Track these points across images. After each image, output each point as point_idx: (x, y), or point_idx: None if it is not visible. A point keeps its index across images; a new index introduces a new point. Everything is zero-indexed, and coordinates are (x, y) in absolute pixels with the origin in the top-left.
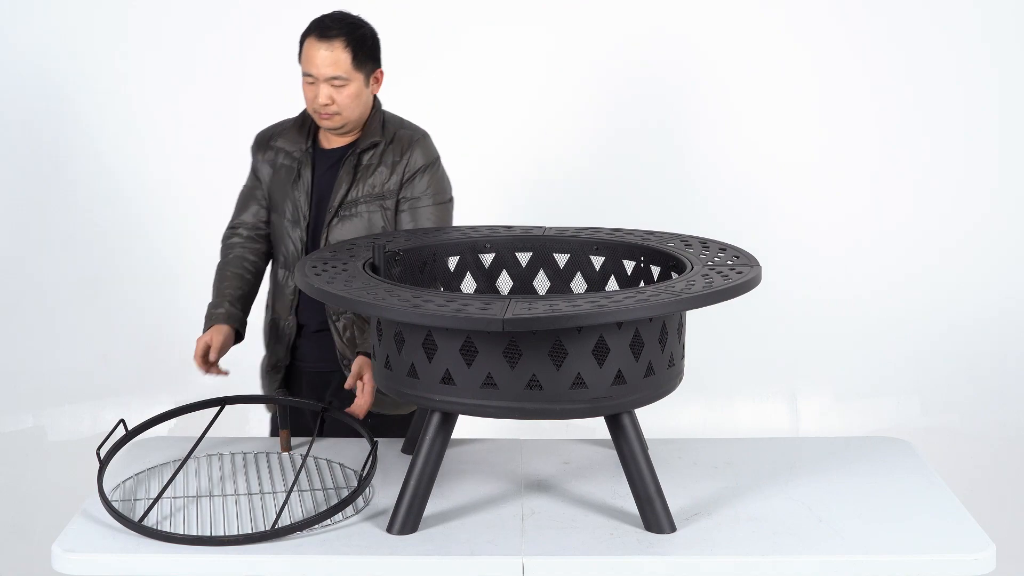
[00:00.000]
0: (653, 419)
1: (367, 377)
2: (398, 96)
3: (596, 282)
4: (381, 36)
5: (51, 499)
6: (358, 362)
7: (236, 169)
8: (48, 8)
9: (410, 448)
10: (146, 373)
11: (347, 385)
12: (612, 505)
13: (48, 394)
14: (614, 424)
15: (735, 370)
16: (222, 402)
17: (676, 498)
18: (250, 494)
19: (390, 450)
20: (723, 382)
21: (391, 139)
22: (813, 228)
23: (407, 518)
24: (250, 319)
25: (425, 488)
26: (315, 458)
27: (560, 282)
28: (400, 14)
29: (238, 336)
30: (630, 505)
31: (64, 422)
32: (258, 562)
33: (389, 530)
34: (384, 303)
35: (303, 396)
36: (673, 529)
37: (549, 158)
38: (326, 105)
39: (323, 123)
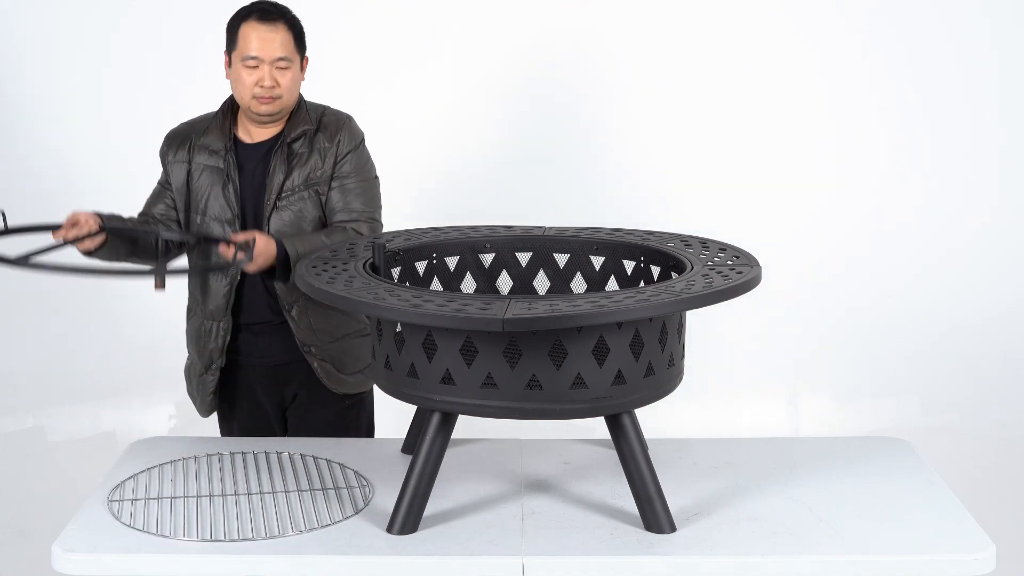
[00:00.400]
0: (653, 419)
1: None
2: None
3: (596, 282)
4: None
5: (51, 499)
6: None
7: None
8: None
9: (410, 448)
10: (146, 373)
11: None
12: (612, 505)
13: (48, 394)
14: (614, 424)
15: (735, 370)
16: (104, 231)
17: (676, 498)
18: (250, 494)
19: (390, 450)
20: (723, 382)
21: (318, 126)
22: (813, 228)
23: (407, 518)
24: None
25: (425, 488)
26: (316, 458)
27: (560, 282)
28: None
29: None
30: (630, 505)
31: (64, 422)
32: (258, 562)
33: (389, 530)
34: (384, 303)
35: (266, 389)
36: (673, 529)
37: (549, 158)
38: (272, 87)
39: (261, 108)
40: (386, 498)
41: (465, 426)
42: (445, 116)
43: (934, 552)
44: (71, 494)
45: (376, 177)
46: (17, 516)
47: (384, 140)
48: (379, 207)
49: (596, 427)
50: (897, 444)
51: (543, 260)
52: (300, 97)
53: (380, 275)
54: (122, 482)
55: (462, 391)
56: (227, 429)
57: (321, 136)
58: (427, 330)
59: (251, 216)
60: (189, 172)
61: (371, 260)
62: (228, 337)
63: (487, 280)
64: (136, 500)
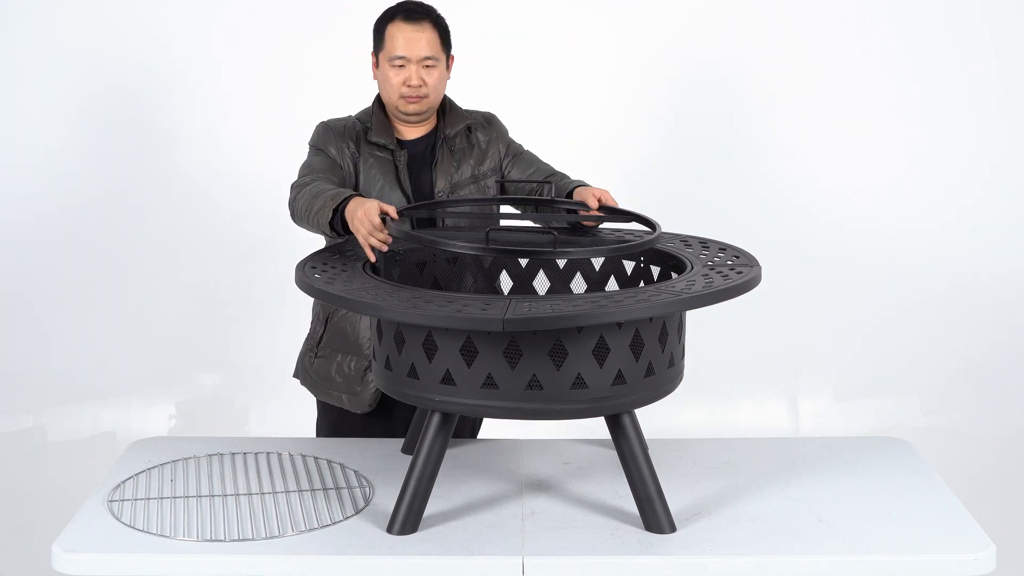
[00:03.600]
0: (653, 419)
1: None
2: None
3: (596, 282)
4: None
5: (51, 499)
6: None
7: (237, 172)
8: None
9: (410, 448)
10: (146, 373)
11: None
12: (612, 505)
13: (48, 394)
14: (614, 424)
15: (735, 370)
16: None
17: (676, 498)
18: (250, 494)
19: (390, 450)
20: (723, 382)
21: (470, 123)
22: (813, 228)
23: (407, 518)
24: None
25: (425, 488)
26: (316, 458)
27: (560, 282)
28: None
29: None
30: (630, 505)
31: (64, 422)
32: (258, 562)
33: (389, 530)
34: (384, 303)
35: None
36: (673, 529)
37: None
38: (419, 87)
39: (409, 107)
40: (386, 498)
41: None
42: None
43: (934, 552)
44: (71, 494)
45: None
46: (17, 516)
47: None
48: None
49: (596, 427)
50: (897, 444)
51: (543, 260)
52: (446, 96)
53: (380, 275)
54: (122, 482)
55: (462, 391)
56: (386, 427)
57: (476, 132)
58: (427, 330)
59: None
60: (356, 164)
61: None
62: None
63: (487, 280)
64: (136, 500)
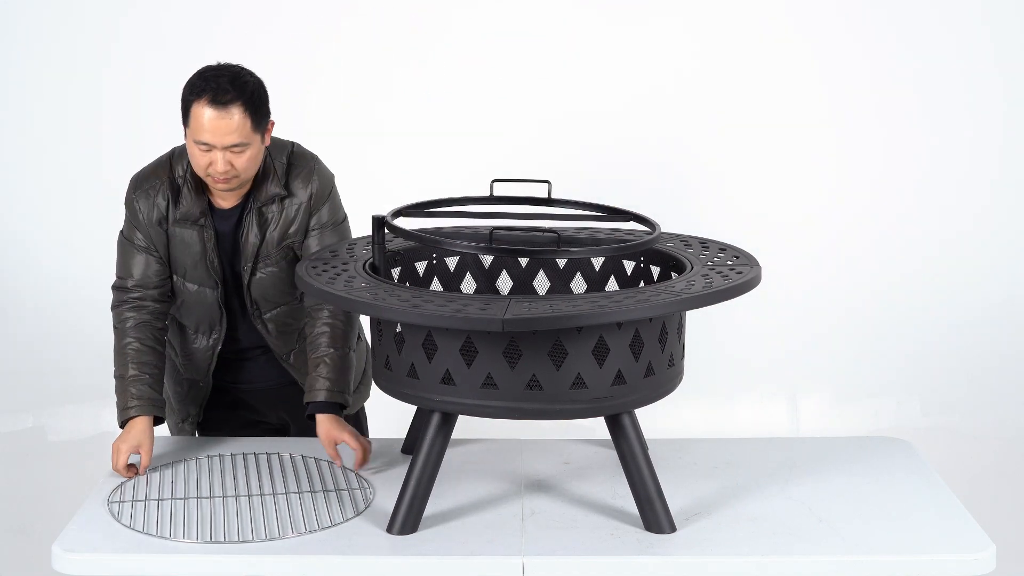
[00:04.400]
0: (653, 419)
1: (347, 437)
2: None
3: (596, 282)
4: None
5: (51, 499)
6: (325, 425)
7: None
8: None
9: (410, 448)
10: None
11: (329, 453)
12: (612, 505)
13: (48, 394)
14: (614, 424)
15: (735, 370)
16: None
17: (676, 498)
18: (250, 495)
19: (390, 450)
20: (723, 382)
21: (286, 182)
22: (813, 228)
23: (407, 518)
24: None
25: (425, 488)
26: (316, 459)
27: (560, 282)
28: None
29: (157, 422)
30: (630, 505)
31: (64, 422)
32: (258, 563)
33: (389, 530)
34: (384, 303)
35: (265, 410)
36: (673, 529)
37: (548, 160)
38: (226, 171)
39: (217, 186)
40: (386, 498)
41: (465, 426)
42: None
43: (934, 552)
44: (71, 494)
45: (346, 216)
46: (17, 516)
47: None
48: None
49: (596, 427)
50: (897, 444)
51: (543, 260)
52: (266, 154)
53: (380, 275)
54: (122, 482)
55: (462, 391)
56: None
57: (292, 185)
58: (427, 330)
59: (231, 281)
60: (168, 236)
61: (371, 260)
62: (207, 395)
63: (487, 280)
64: (136, 501)
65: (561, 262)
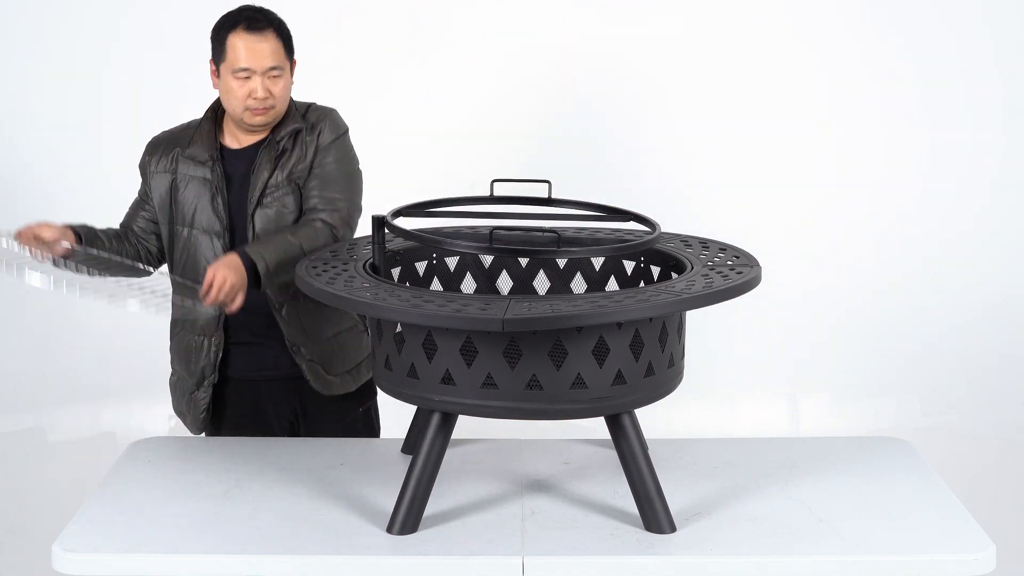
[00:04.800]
0: (653, 419)
1: (216, 267)
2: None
3: (596, 282)
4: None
5: (51, 499)
6: (223, 259)
7: None
8: None
9: (410, 448)
10: (146, 373)
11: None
12: (612, 505)
13: (48, 394)
14: (614, 424)
15: (735, 370)
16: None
17: (676, 498)
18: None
19: (390, 450)
20: (723, 382)
21: (304, 118)
22: (813, 228)
23: (407, 518)
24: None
25: (425, 488)
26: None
27: (560, 282)
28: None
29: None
30: (630, 505)
31: (64, 422)
32: (258, 562)
33: (389, 530)
34: (384, 303)
35: (266, 406)
36: (673, 529)
37: (548, 160)
38: (265, 98)
39: (256, 119)
40: (386, 498)
41: (465, 426)
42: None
43: (934, 552)
44: (71, 494)
45: (359, 171)
46: (17, 516)
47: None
48: (358, 202)
49: (596, 427)
50: (897, 444)
51: (543, 260)
52: (291, 99)
53: (380, 275)
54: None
55: (462, 391)
56: None
57: (305, 131)
58: (427, 330)
59: (239, 224)
60: (174, 183)
61: (371, 260)
62: (220, 352)
63: (487, 280)
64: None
65: (561, 262)
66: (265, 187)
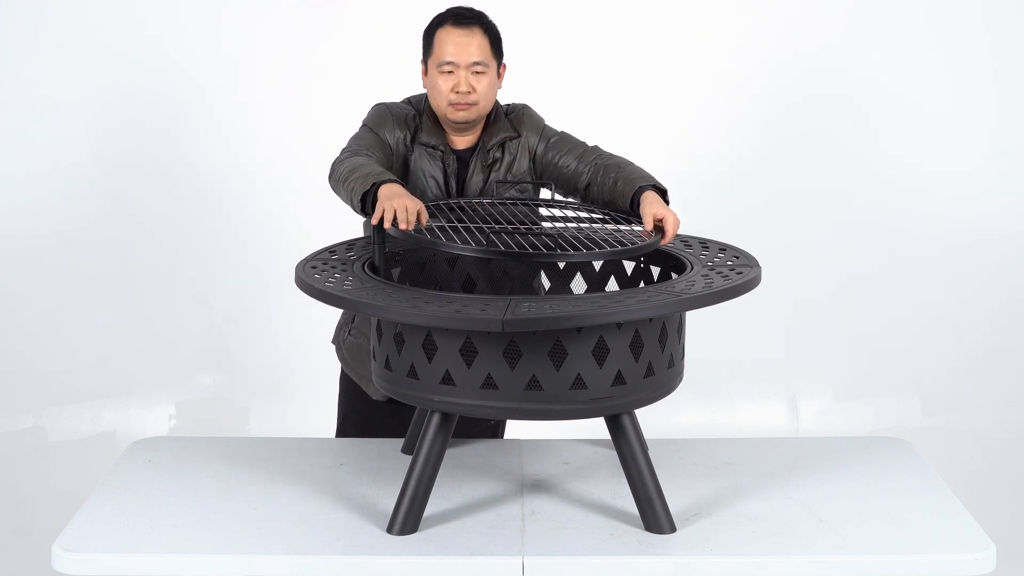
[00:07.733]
0: (653, 419)
1: (667, 212)
2: None
3: (596, 282)
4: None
5: (51, 499)
6: (649, 199)
7: (236, 172)
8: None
9: (410, 448)
10: (146, 373)
11: (647, 225)
12: (612, 505)
13: (48, 394)
14: (614, 424)
15: (735, 370)
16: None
17: (676, 498)
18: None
19: (390, 450)
20: (723, 382)
21: (506, 136)
22: (813, 228)
23: (407, 518)
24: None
25: (425, 488)
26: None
27: (560, 282)
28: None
29: None
30: (630, 505)
31: (64, 422)
32: (258, 562)
33: (389, 530)
34: (384, 303)
35: None
36: (673, 529)
37: None
38: (468, 93)
39: (458, 115)
40: (386, 498)
41: None
42: None
43: (934, 552)
44: (71, 494)
45: (564, 132)
46: (17, 516)
47: None
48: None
49: (596, 427)
50: (897, 444)
51: (543, 260)
52: (496, 103)
53: (380, 275)
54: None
55: (462, 391)
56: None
57: (510, 142)
58: (427, 331)
59: None
60: (407, 155)
61: (371, 260)
62: None
63: (487, 280)
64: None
65: (561, 263)
66: (480, 193)
